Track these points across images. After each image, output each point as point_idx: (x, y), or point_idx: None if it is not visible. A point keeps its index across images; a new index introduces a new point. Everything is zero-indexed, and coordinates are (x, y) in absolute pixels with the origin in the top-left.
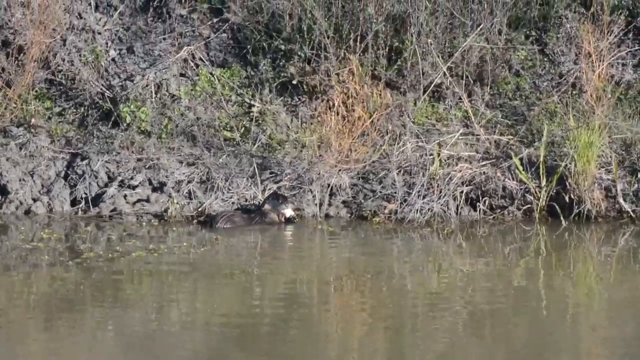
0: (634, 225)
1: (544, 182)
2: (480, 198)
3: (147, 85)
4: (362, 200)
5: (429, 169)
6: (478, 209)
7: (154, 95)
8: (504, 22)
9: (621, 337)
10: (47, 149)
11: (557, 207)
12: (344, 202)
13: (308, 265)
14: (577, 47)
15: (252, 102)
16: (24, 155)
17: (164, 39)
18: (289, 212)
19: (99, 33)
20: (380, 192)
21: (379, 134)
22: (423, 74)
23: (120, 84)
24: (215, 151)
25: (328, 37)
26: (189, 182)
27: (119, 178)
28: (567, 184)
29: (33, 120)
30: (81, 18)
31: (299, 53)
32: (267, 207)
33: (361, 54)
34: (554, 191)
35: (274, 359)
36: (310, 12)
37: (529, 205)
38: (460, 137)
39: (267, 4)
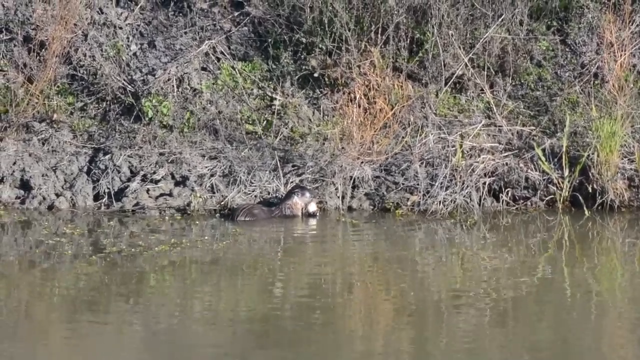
0: None
1: (566, 173)
2: (503, 189)
3: (168, 80)
4: (385, 193)
5: (451, 161)
6: (501, 200)
7: (175, 90)
8: (525, 12)
9: None
10: (70, 144)
11: (580, 197)
12: (366, 194)
13: (331, 258)
14: (599, 37)
15: (274, 95)
16: (46, 150)
17: (185, 33)
18: (312, 206)
19: (120, 28)
20: (403, 184)
21: (401, 126)
22: (444, 65)
23: (142, 78)
24: (237, 145)
25: (349, 30)
26: (211, 175)
27: (142, 172)
28: (590, 174)
29: (55, 115)
30: (102, 13)
31: (320, 46)
32: (298, 200)
33: (382, 46)
34: (577, 181)
35: (298, 352)
36: (331, 4)
37: (552, 196)
38: (482, 129)
39: None
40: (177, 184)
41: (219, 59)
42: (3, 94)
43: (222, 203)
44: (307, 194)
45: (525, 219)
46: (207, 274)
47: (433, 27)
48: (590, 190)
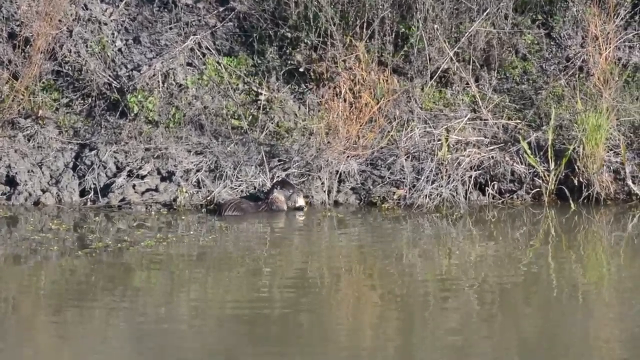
0: None
1: (552, 166)
2: (489, 182)
3: (154, 75)
4: (371, 187)
5: (437, 155)
6: (487, 194)
7: (161, 85)
8: (510, 6)
9: (632, 318)
10: (55, 140)
11: (566, 190)
12: (352, 188)
13: (318, 252)
14: (584, 31)
15: (260, 90)
16: (32, 146)
17: (170, 28)
18: (300, 201)
19: (105, 24)
20: (389, 178)
21: (387, 120)
22: (430, 59)
23: (127, 74)
24: (223, 140)
25: (334, 24)
26: (197, 171)
27: (128, 168)
28: (575, 167)
29: (41, 111)
30: (87, 9)
31: (306, 40)
32: (277, 194)
33: (367, 41)
34: (563, 174)
35: (285, 346)
36: None
37: (538, 189)
38: (468, 122)
39: None
40: (163, 179)
41: (204, 55)
42: None
43: (209, 198)
44: (287, 188)
45: (512, 212)
46: (193, 269)
47: (418, 22)
48: (576, 183)
